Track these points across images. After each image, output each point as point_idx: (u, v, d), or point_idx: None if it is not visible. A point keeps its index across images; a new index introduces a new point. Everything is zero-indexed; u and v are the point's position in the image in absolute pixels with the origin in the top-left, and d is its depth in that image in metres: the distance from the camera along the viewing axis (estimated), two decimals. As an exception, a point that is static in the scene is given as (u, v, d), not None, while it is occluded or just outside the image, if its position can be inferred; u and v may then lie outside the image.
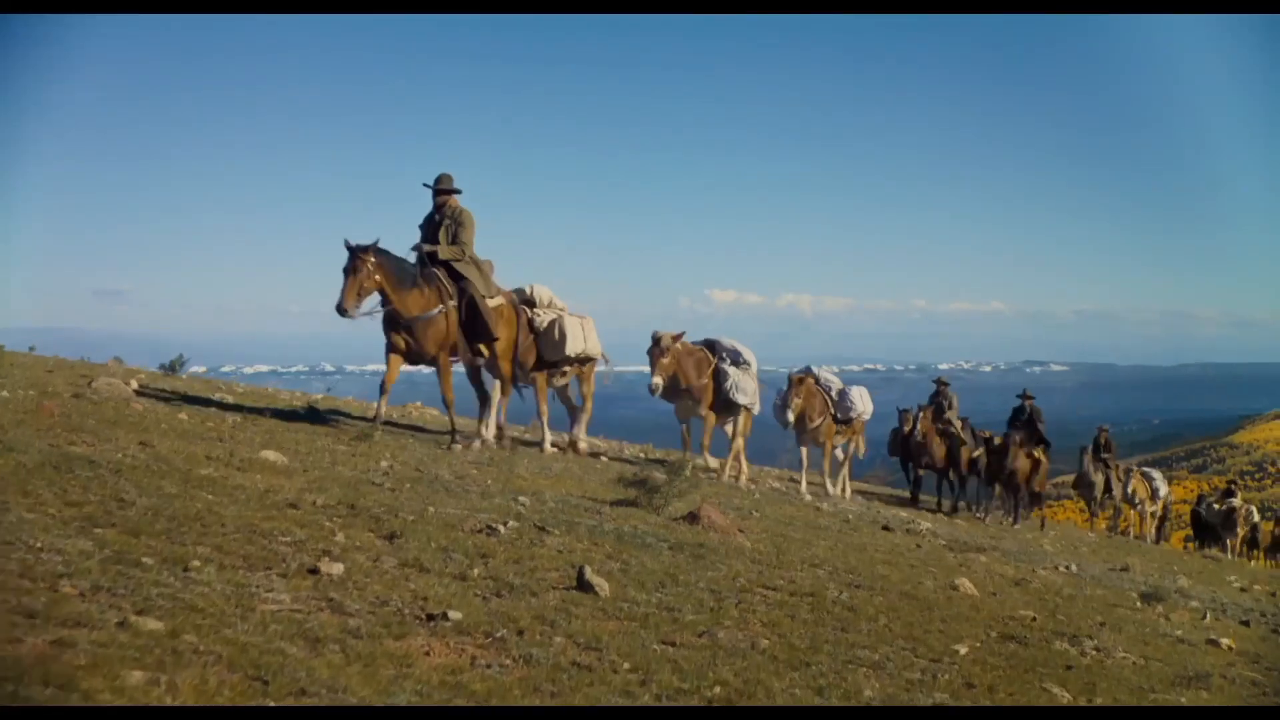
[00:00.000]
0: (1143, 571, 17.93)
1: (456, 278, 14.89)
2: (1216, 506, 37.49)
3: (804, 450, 21.07)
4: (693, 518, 10.24)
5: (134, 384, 14.54)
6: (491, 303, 15.20)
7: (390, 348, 14.42)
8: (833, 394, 21.52)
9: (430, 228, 15.23)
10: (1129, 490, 32.42)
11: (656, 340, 17.40)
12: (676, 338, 17.56)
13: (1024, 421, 27.37)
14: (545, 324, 16.66)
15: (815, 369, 21.58)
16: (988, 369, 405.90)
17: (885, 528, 15.45)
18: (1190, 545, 38.40)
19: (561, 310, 17.02)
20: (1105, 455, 31.96)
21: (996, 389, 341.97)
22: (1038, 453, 26.93)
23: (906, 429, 26.93)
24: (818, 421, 20.69)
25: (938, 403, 27.42)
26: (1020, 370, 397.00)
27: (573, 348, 16.62)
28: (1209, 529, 37.09)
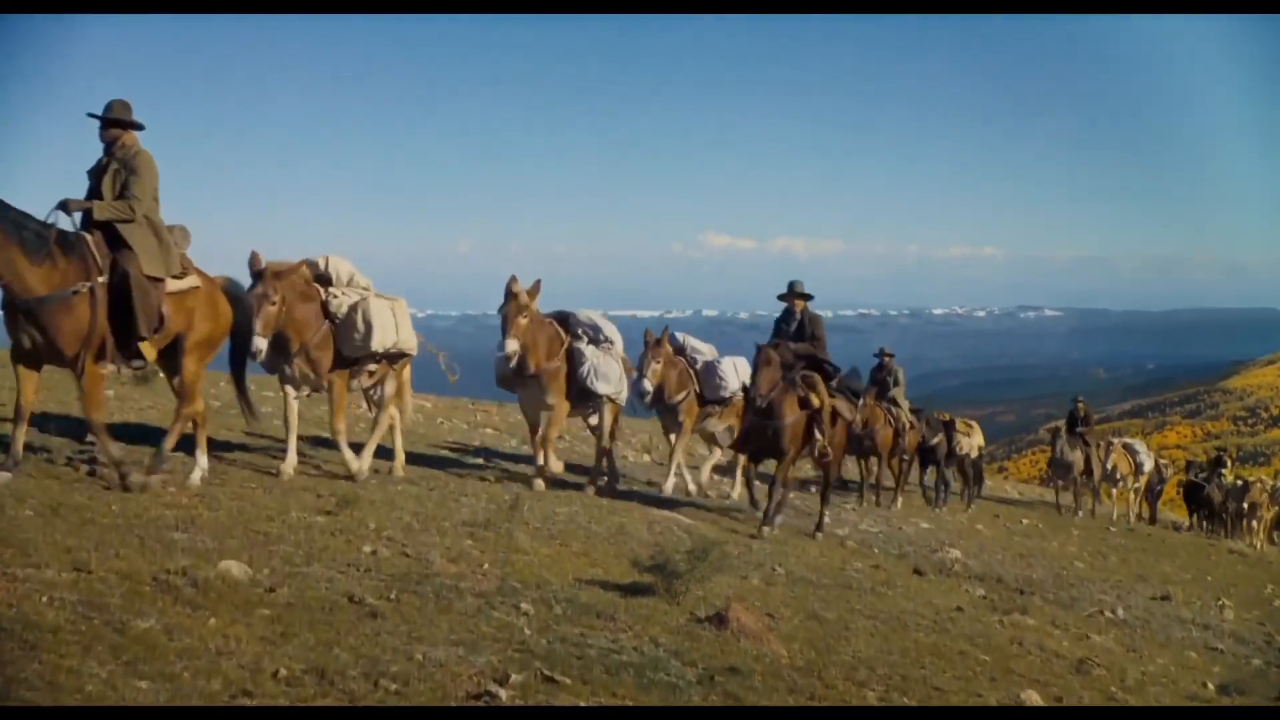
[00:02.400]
0: (1184, 598, 16.81)
1: (116, 246, 10.53)
2: (1230, 480, 33.68)
3: (672, 437, 18.16)
4: (720, 621, 8.86)
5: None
6: (177, 284, 10.89)
7: (14, 349, 10.44)
8: (698, 368, 18.04)
9: (98, 176, 10.91)
10: (1108, 466, 29.59)
11: (513, 294, 14.41)
12: (533, 294, 14.62)
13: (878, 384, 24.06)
14: (344, 310, 13.40)
15: (679, 336, 18.42)
16: (982, 314, 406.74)
17: (917, 571, 14.21)
18: (1190, 522, 34.70)
19: (365, 291, 13.85)
20: (1082, 430, 29.40)
21: (991, 334, 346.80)
22: (903, 418, 23.71)
23: None
24: (677, 398, 17.44)
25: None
26: (1014, 315, 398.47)
27: (381, 339, 13.34)
28: (1205, 504, 33.22)
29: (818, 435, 15.37)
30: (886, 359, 24.42)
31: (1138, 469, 31.01)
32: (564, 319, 15.84)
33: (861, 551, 15.14)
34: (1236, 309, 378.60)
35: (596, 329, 15.86)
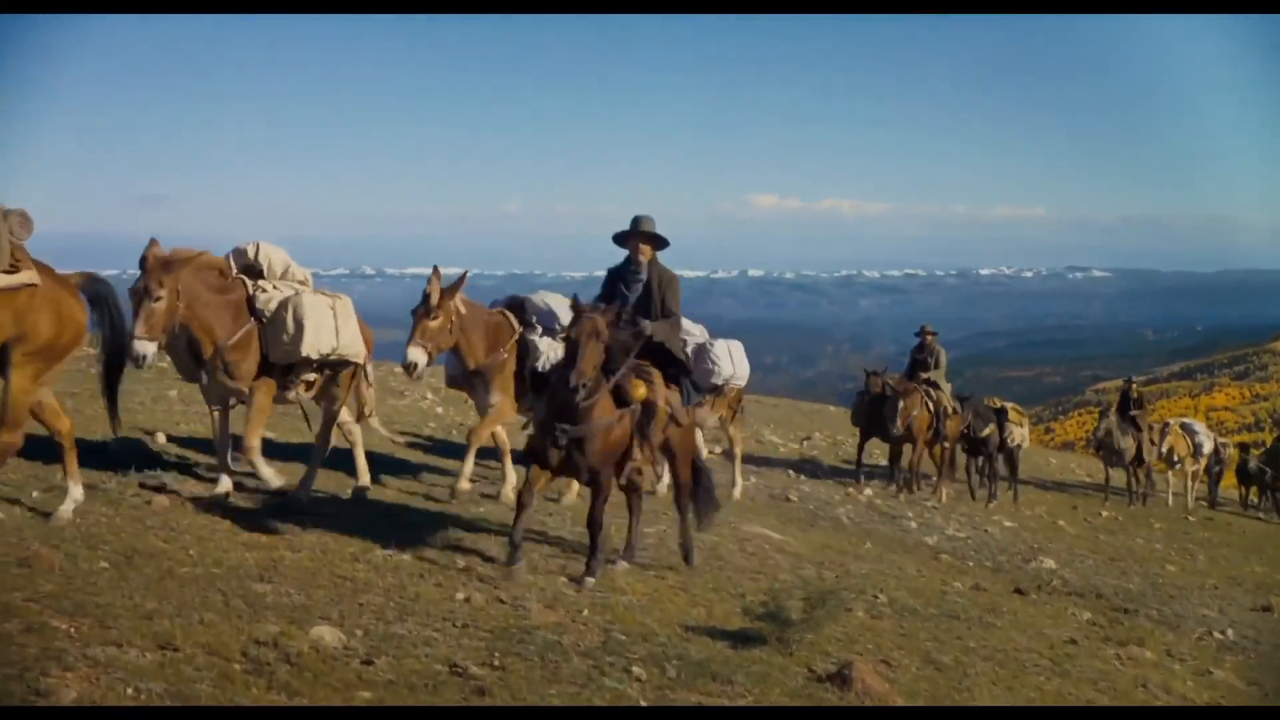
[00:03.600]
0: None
1: None
2: None
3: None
4: (843, 680, 8.20)
5: (160, 438, 12.76)
6: (3, 280, 8.88)
7: None
8: (688, 350, 14.44)
9: None
10: (1164, 449, 27.76)
11: (424, 296, 12.55)
12: (452, 291, 12.67)
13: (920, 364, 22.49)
14: (272, 307, 11.43)
15: None
16: (1029, 274, 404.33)
17: (1018, 590, 13.54)
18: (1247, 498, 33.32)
19: (302, 285, 11.97)
20: (1135, 413, 27.35)
21: (1039, 295, 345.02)
22: (944, 402, 21.64)
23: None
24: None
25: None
26: (1062, 276, 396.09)
27: (314, 343, 11.33)
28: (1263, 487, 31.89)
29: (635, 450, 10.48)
30: (928, 337, 22.58)
31: (1196, 450, 29.42)
32: (518, 306, 13.91)
33: (957, 566, 14.51)
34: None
35: (552, 317, 13.63)
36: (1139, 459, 26.87)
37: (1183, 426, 29.57)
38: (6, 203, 9.06)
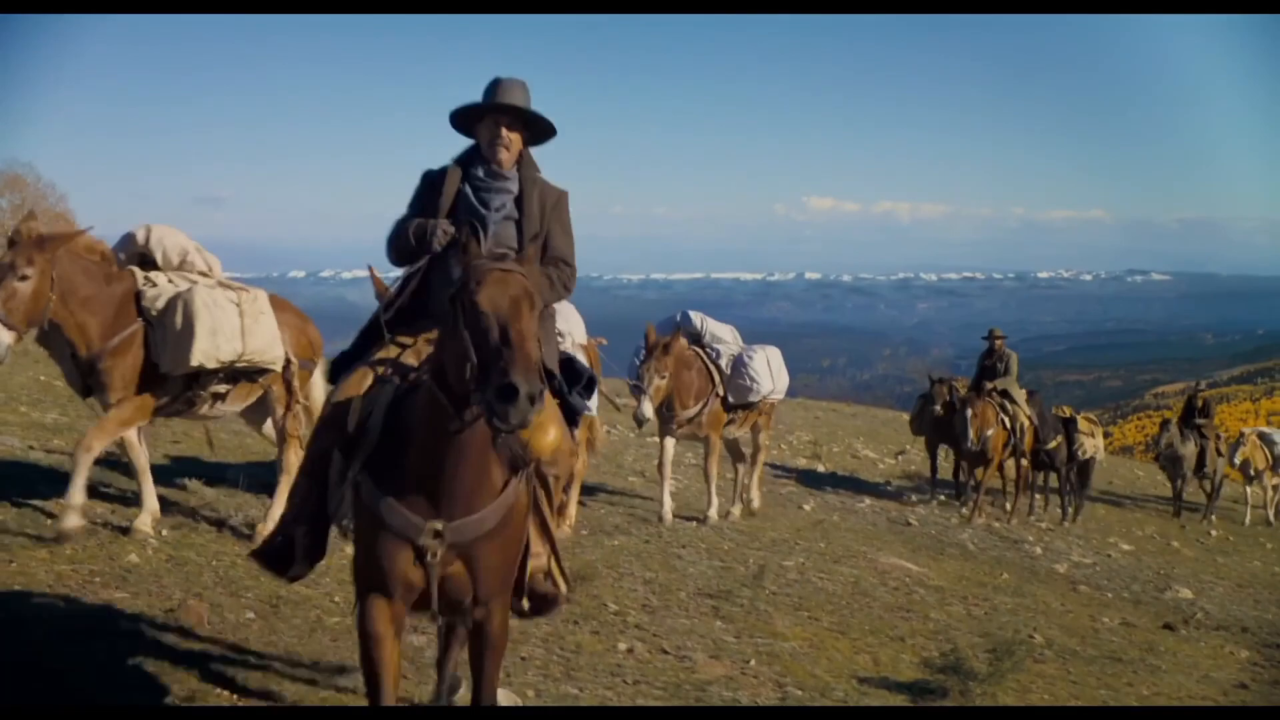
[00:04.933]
0: None
1: None
2: None
3: (666, 443, 13.99)
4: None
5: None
6: None
7: None
8: (722, 363, 14.16)
9: None
10: (1235, 460, 25.19)
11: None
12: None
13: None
14: (161, 303, 9.11)
15: (696, 318, 14.60)
16: (1088, 278, 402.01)
17: (1167, 626, 12.86)
18: None
19: (203, 276, 9.60)
20: (1200, 422, 25.40)
21: (1097, 298, 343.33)
22: (1019, 415, 19.50)
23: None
24: (693, 409, 13.71)
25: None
26: (1121, 279, 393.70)
27: (209, 347, 9.00)
28: None
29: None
30: (997, 342, 20.23)
31: (1275, 462, 26.59)
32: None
33: (1097, 598, 13.85)
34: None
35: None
36: (1200, 467, 25.19)
37: (1260, 436, 27.07)
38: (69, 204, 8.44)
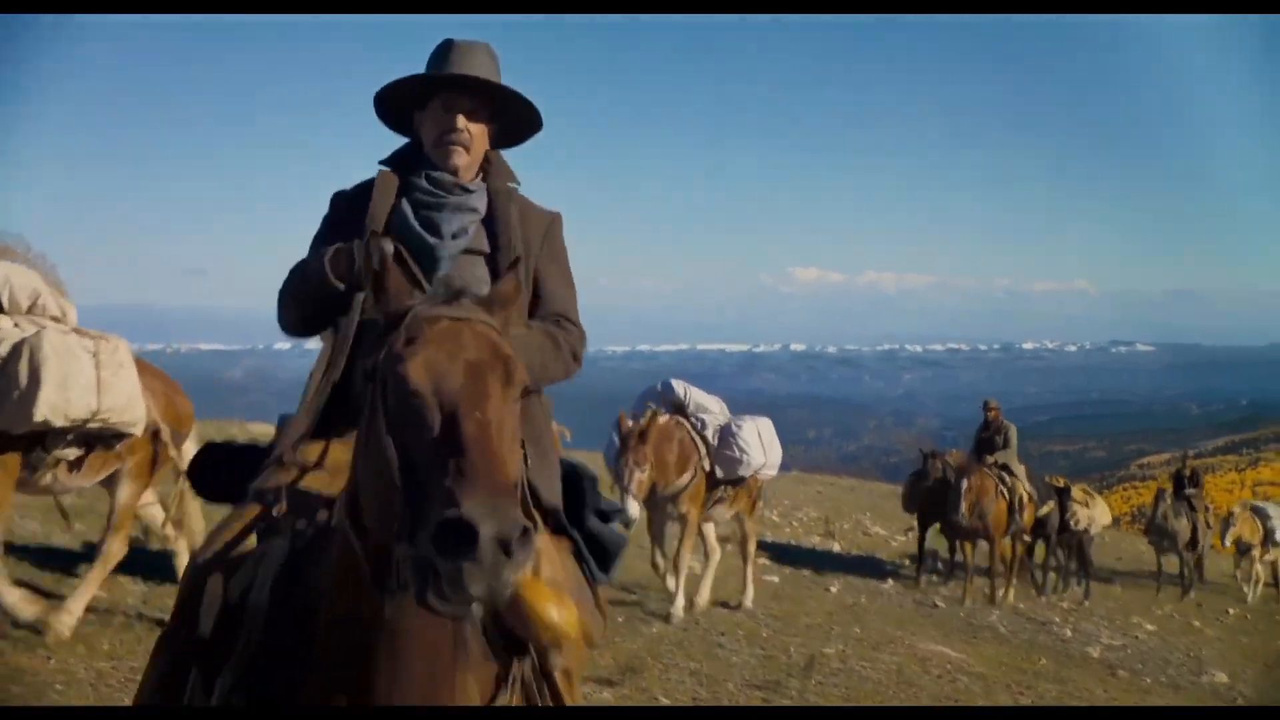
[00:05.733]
0: None
1: None
2: None
3: (669, 531, 13.08)
4: None
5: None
6: None
7: None
8: (708, 434, 12.80)
9: None
10: (1227, 540, 24.45)
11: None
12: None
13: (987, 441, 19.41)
14: (2, 351, 7.63)
15: (679, 387, 13.30)
16: (1073, 349, 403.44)
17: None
18: None
19: (55, 321, 8.09)
20: (1190, 493, 24.41)
21: (1082, 369, 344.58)
22: (1019, 489, 18.60)
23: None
24: (681, 481, 12.28)
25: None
26: (1106, 350, 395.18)
27: (58, 403, 7.59)
28: None
29: None
30: (992, 413, 19.47)
31: (1268, 536, 25.42)
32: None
33: (1137, 684, 13.61)
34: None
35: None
36: (1193, 543, 24.20)
37: (1253, 510, 26.09)
38: (60, 274, 8.22)
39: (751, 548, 13.91)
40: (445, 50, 4.01)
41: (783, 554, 18.10)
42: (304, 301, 3.76)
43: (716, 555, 13.60)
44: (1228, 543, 24.52)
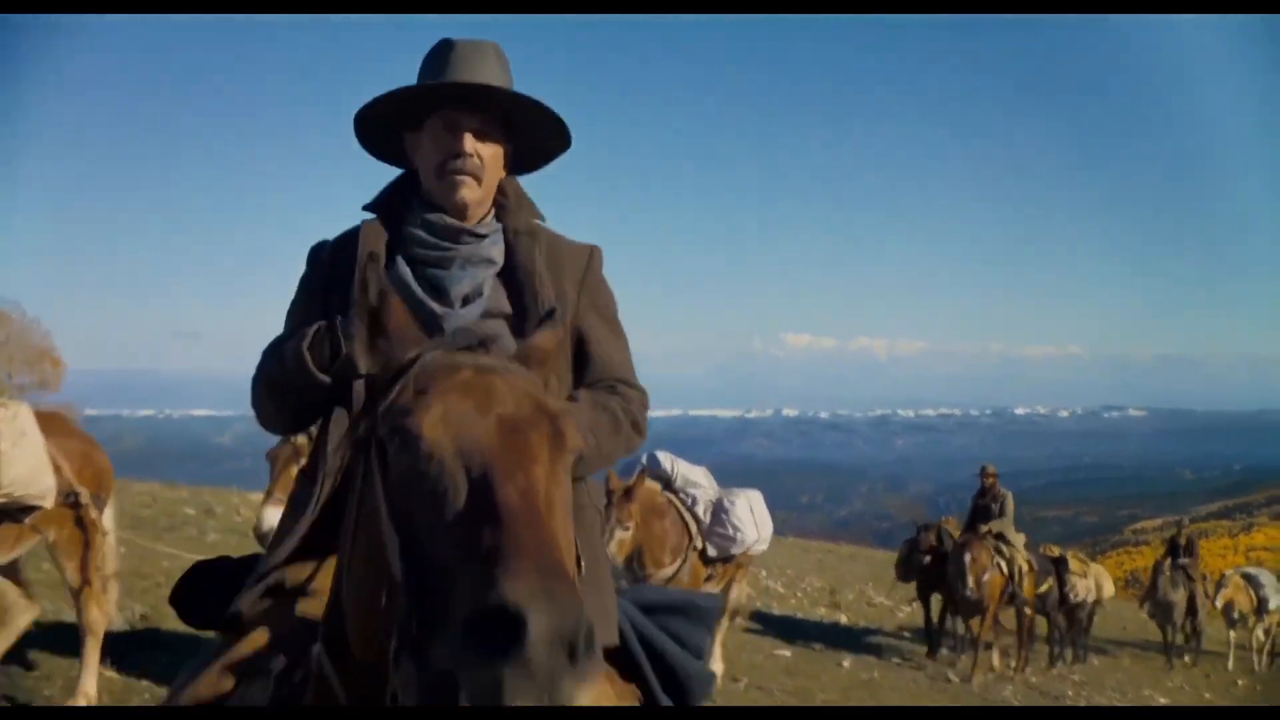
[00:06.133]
0: None
1: None
2: None
3: None
4: None
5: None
6: None
7: None
8: (699, 510, 11.91)
9: None
10: (1218, 602, 23.57)
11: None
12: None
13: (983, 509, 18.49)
14: None
15: (665, 459, 12.24)
16: (1065, 414, 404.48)
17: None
18: None
19: None
20: (1185, 562, 23.80)
21: (1075, 434, 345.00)
22: (1018, 559, 17.78)
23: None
24: (670, 568, 11.35)
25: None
26: (1098, 415, 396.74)
27: None
28: None
29: None
30: (990, 480, 18.61)
31: (1261, 605, 24.61)
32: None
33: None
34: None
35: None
36: (1191, 612, 23.71)
37: (1245, 577, 25.20)
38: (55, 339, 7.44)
39: (725, 620, 12.84)
40: (444, 53, 3.18)
41: (792, 628, 17.88)
42: (282, 395, 3.01)
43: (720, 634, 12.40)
44: (1219, 604, 23.75)
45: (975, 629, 17.28)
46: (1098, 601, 21.57)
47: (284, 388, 2.95)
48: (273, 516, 7.49)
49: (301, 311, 3.15)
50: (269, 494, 8.06)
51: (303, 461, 6.84)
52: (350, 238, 3.21)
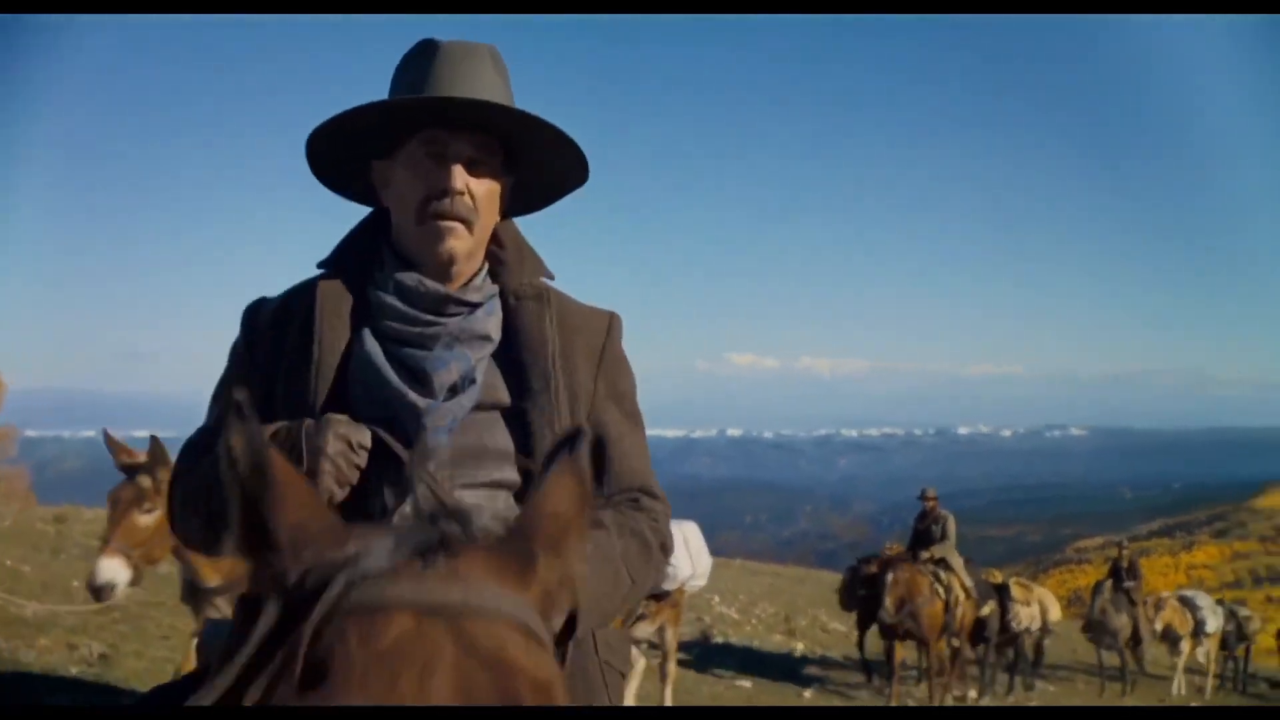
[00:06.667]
0: None
1: None
2: None
3: None
4: None
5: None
6: None
7: None
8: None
9: None
10: (1157, 627, 22.67)
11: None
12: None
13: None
14: None
15: None
16: (1008, 433, 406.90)
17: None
18: None
19: None
20: (1129, 585, 22.62)
21: (1017, 453, 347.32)
22: (955, 585, 16.99)
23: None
24: None
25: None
26: (1040, 434, 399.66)
27: None
28: None
29: None
30: (930, 503, 17.90)
31: (1198, 627, 23.96)
32: None
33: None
34: (1265, 427, 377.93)
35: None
36: (1135, 638, 22.49)
37: (1181, 600, 24.52)
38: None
39: (672, 666, 11.79)
40: (425, 58, 2.41)
41: (749, 658, 17.88)
42: (204, 509, 2.25)
43: (640, 665, 11.34)
44: (1157, 627, 22.90)
45: (898, 656, 16.58)
46: (1045, 629, 20.91)
47: (206, 501, 2.23)
48: (109, 569, 6.73)
49: (232, 394, 2.00)
50: (105, 542, 6.86)
51: (147, 506, 6.67)
52: (300, 298, 2.46)
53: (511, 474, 2.39)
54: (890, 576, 15.83)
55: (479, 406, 2.38)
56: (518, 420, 2.40)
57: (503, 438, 2.39)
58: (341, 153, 2.49)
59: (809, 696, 15.72)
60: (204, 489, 2.22)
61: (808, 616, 26.52)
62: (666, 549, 2.52)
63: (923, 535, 17.59)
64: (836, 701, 15.59)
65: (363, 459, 2.22)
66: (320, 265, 2.53)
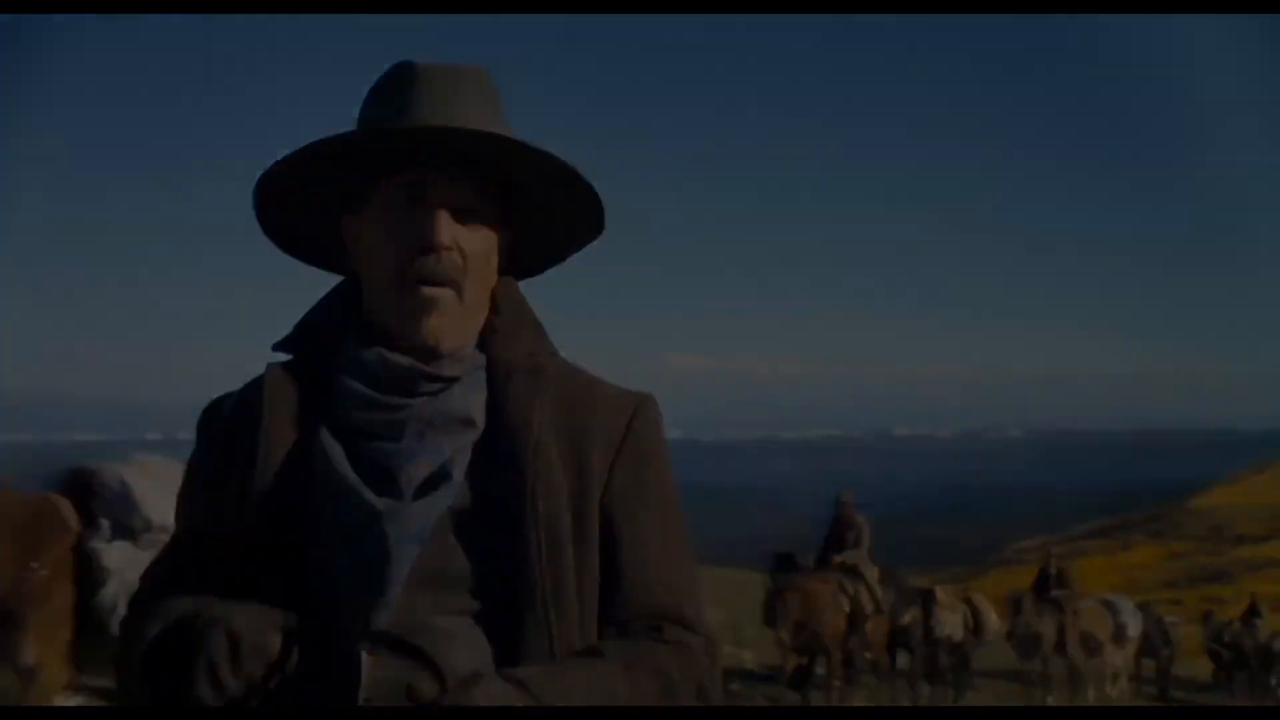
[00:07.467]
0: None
1: None
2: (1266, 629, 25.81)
3: None
4: None
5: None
6: None
7: None
8: None
9: None
10: (1080, 631, 21.21)
11: None
12: None
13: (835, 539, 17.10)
14: None
15: None
16: (946, 435, 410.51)
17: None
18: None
19: None
20: (1058, 594, 21.36)
21: (954, 455, 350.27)
22: (863, 596, 16.23)
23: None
24: None
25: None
26: (978, 436, 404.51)
27: None
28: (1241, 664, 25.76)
29: None
30: (845, 508, 17.23)
31: (1119, 632, 22.80)
32: (81, 486, 6.95)
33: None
34: (1200, 429, 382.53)
35: (126, 502, 6.82)
36: (1061, 648, 20.95)
37: (1103, 603, 23.42)
38: None
39: None
40: (402, 83, 1.83)
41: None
42: (127, 690, 1.76)
43: None
44: (1081, 634, 21.98)
45: (789, 666, 15.92)
46: (979, 635, 20.22)
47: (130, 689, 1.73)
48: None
49: (189, 513, 1.88)
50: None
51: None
52: (256, 392, 1.89)
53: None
54: (780, 607, 14.98)
55: (453, 512, 1.76)
56: (502, 537, 1.76)
57: (481, 563, 1.79)
58: (301, 206, 1.92)
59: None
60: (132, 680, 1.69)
61: (755, 625, 26.26)
62: (706, 695, 1.80)
63: (834, 541, 16.96)
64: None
65: (256, 665, 1.59)
66: (276, 347, 1.92)
